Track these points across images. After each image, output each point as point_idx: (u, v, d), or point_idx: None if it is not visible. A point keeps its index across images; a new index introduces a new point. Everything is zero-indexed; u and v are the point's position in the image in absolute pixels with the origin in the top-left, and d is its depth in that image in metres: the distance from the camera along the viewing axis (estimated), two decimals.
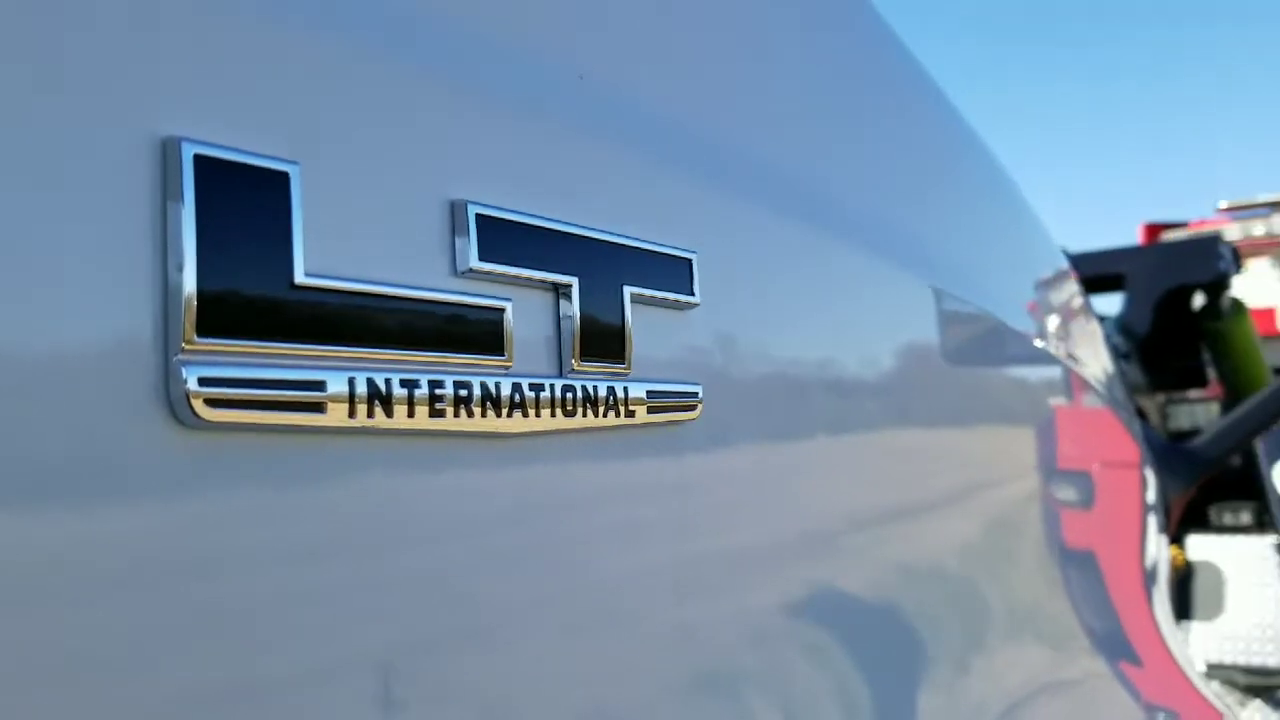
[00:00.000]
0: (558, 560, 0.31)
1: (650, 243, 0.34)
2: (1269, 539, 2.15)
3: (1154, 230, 5.28)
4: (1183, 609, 2.16)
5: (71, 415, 0.20)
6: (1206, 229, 5.07)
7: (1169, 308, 2.20)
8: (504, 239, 0.29)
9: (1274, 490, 2.14)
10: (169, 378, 0.22)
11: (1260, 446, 2.16)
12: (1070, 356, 0.91)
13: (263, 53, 0.24)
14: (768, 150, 0.47)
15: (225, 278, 0.22)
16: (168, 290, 0.22)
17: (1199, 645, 2.15)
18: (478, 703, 0.28)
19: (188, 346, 0.22)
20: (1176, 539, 2.21)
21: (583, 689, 0.31)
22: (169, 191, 0.22)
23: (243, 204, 0.23)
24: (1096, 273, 2.25)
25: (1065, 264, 1.01)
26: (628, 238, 0.33)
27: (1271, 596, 2.12)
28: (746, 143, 0.45)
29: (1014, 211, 0.91)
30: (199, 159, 0.22)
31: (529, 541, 0.30)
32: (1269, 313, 5.06)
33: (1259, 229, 4.99)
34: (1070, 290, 1.00)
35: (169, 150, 0.22)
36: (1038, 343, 0.83)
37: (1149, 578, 1.01)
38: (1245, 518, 2.18)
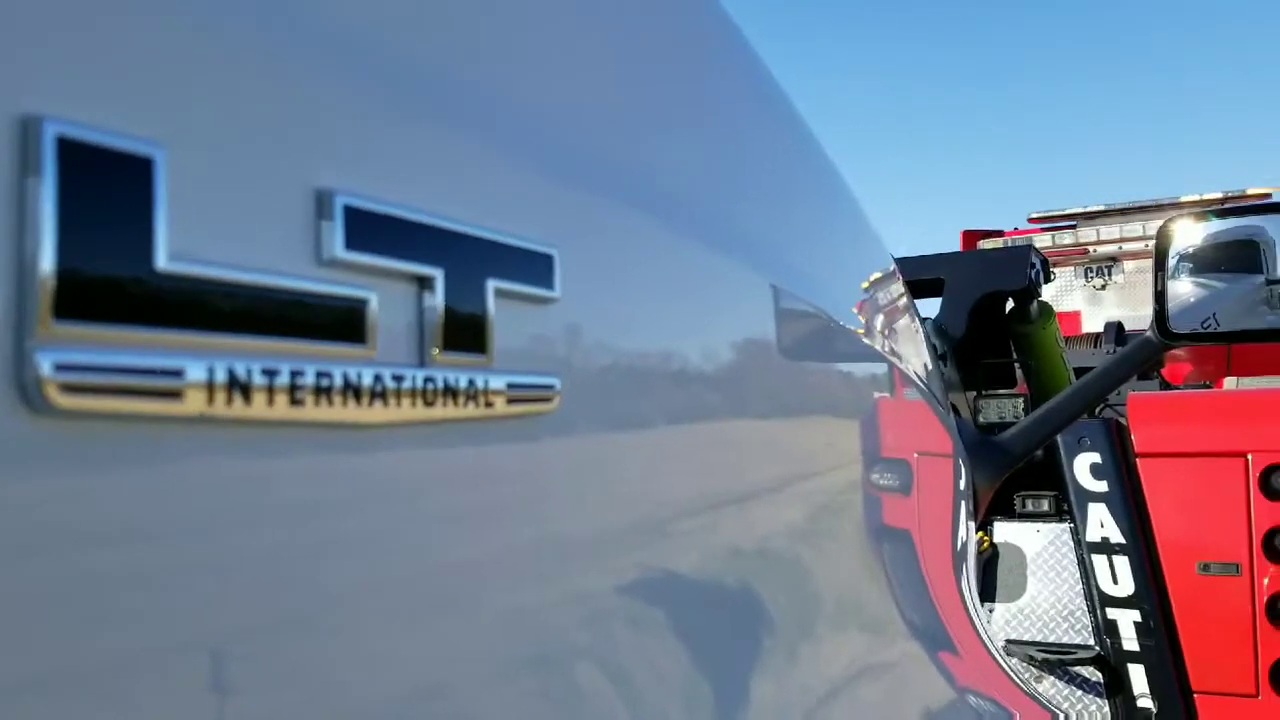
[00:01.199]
0: (415, 548, 0.31)
1: (514, 237, 0.35)
2: (1065, 525, 2.33)
3: (972, 236, 5.61)
4: (988, 590, 2.32)
5: None
6: (1020, 237, 5.43)
7: (982, 311, 2.34)
8: (370, 230, 0.29)
9: (1073, 481, 2.32)
10: (23, 363, 0.21)
11: (1061, 441, 2.34)
12: (894, 354, 0.96)
13: (130, 34, 0.24)
14: (624, 150, 0.48)
15: (84, 262, 0.22)
16: (23, 273, 0.21)
17: (1001, 624, 2.32)
18: (322, 692, 0.29)
19: (43, 331, 0.21)
20: (985, 525, 2.37)
21: (427, 678, 0.32)
22: (28, 171, 0.21)
23: (104, 187, 0.22)
24: (918, 277, 2.38)
25: (893, 266, 1.06)
26: (492, 232, 0.34)
27: (1066, 579, 2.31)
28: (604, 142, 0.46)
29: (847, 213, 0.96)
30: (61, 140, 0.21)
31: (386, 529, 0.30)
32: (1074, 316, 5.47)
33: (1067, 239, 5.38)
34: (896, 291, 1.06)
35: (30, 129, 0.21)
36: (865, 341, 0.87)
37: (959, 561, 1.09)
38: (1046, 506, 2.35)
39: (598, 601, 0.40)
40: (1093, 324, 5.09)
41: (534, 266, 0.36)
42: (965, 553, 1.16)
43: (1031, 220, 5.75)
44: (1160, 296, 1.43)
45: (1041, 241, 5.30)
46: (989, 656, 1.02)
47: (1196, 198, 5.02)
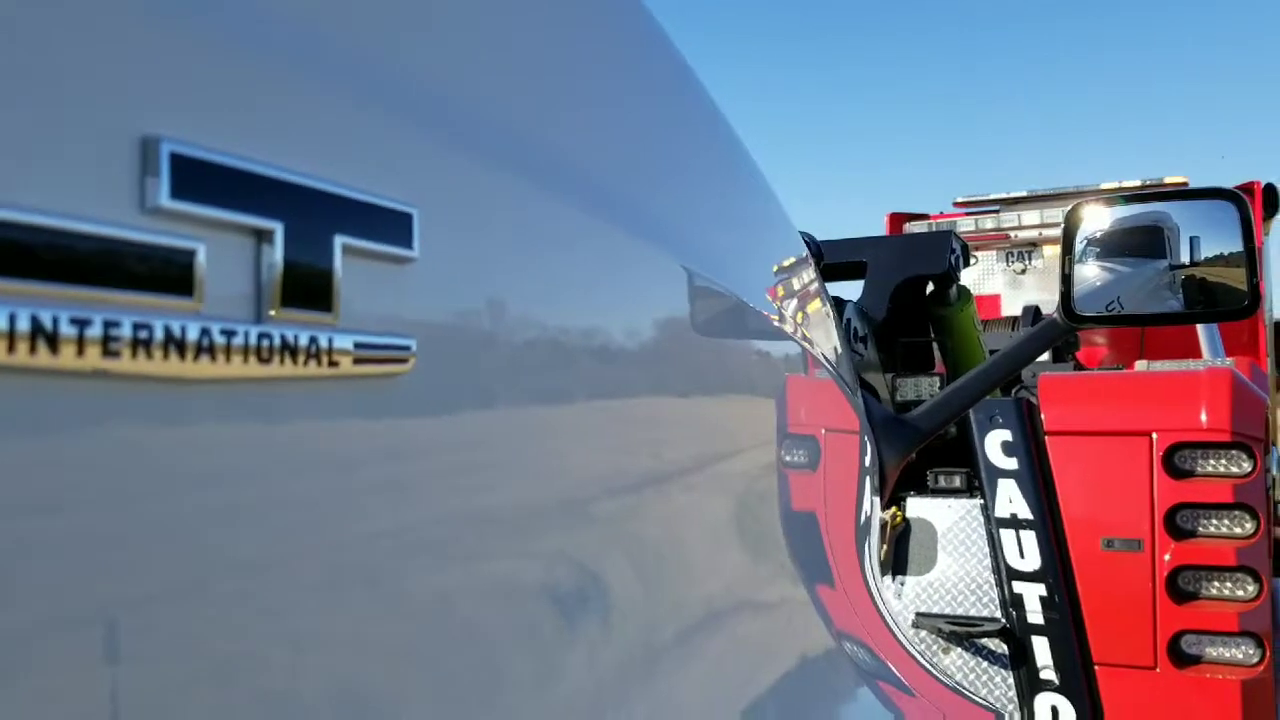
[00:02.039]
0: (246, 509, 0.30)
1: (368, 194, 0.34)
2: (976, 501, 2.39)
3: (898, 219, 5.70)
4: (901, 563, 2.37)
5: None
6: (944, 221, 5.52)
7: (903, 294, 2.39)
8: (200, 179, 0.28)
9: (984, 458, 2.38)
10: None
11: (974, 419, 2.39)
12: (804, 337, 0.97)
13: None
14: (507, 116, 0.48)
15: None
16: None
17: (912, 596, 2.37)
18: (125, 676, 0.27)
19: None
20: (898, 500, 2.41)
21: (240, 668, 0.31)
22: None
23: None
24: (843, 260, 2.41)
25: (804, 251, 1.07)
26: (343, 187, 0.33)
27: (975, 553, 2.36)
28: (486, 107, 0.46)
29: (757, 198, 0.96)
30: None
31: (211, 488, 0.29)
32: (994, 299, 5.58)
33: (989, 223, 5.47)
34: (807, 276, 1.07)
35: None
36: (774, 322, 0.88)
37: (862, 534, 1.10)
38: (957, 482, 2.41)
39: (449, 580, 0.39)
40: (1013, 307, 5.20)
41: (390, 225, 0.35)
42: (869, 526, 1.18)
43: (957, 205, 5.84)
44: (1067, 279, 1.47)
45: (965, 226, 5.40)
46: (888, 632, 1.03)
47: (1116, 185, 5.15)
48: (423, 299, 0.37)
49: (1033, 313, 4.19)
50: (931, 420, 1.47)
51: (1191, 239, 1.52)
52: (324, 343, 0.31)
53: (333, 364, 0.32)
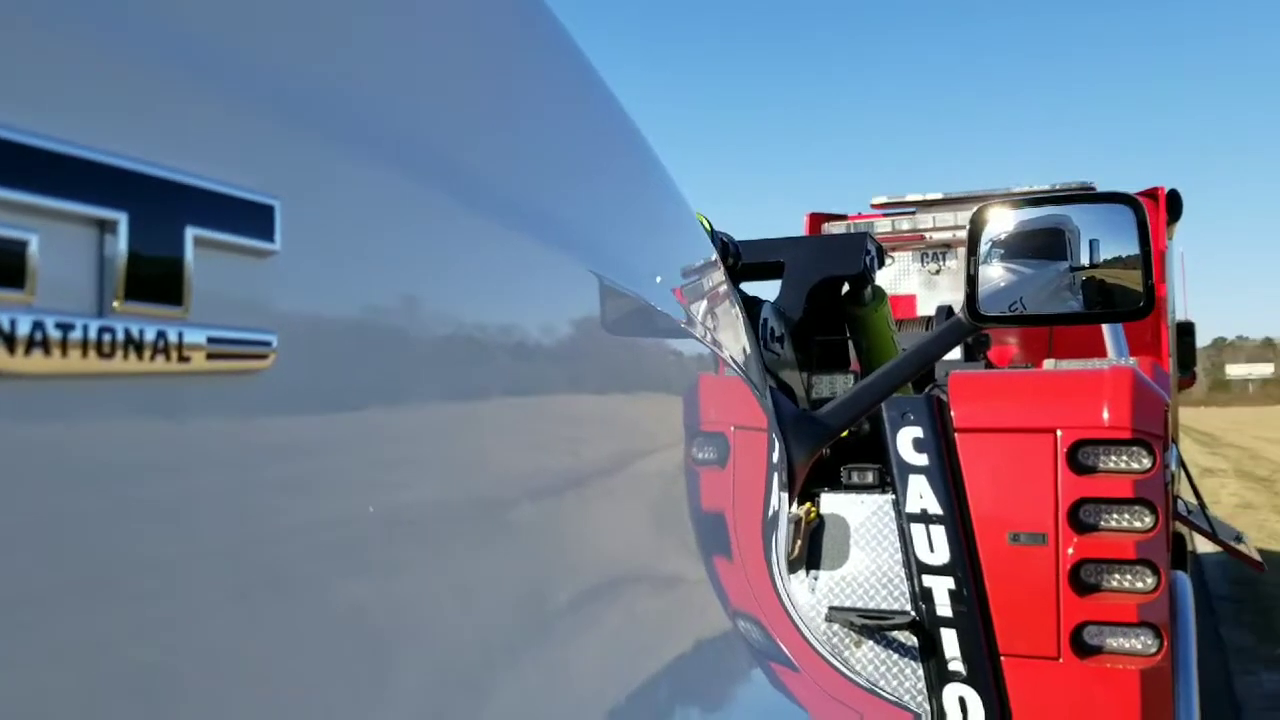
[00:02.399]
0: (83, 513, 0.29)
1: (223, 185, 0.33)
2: (888, 497, 2.43)
3: (817, 219, 5.79)
4: (814, 558, 2.40)
5: None
6: (862, 222, 5.62)
7: (820, 294, 2.42)
8: (30, 167, 0.27)
9: (896, 454, 2.42)
10: None
11: (886, 416, 2.44)
12: (713, 339, 0.98)
13: None
14: (390, 110, 0.47)
15: None
16: None
17: (825, 590, 2.40)
18: None
19: None
20: (812, 496, 2.45)
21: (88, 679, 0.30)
22: None
23: None
24: (761, 260, 2.44)
25: (713, 254, 1.08)
26: (195, 177, 0.32)
27: (887, 548, 2.41)
28: (362, 99, 0.45)
29: (666, 202, 0.96)
30: None
31: (48, 488, 0.28)
32: (910, 299, 5.69)
33: (905, 224, 5.58)
34: (716, 278, 1.07)
35: None
36: (682, 324, 0.88)
37: (768, 530, 1.11)
38: (870, 478, 2.45)
39: (312, 588, 0.38)
40: (928, 307, 5.31)
41: (248, 216, 0.34)
42: (776, 522, 1.20)
43: (874, 206, 5.95)
44: (972, 280, 1.50)
45: (882, 227, 5.50)
46: (791, 626, 1.05)
47: (1027, 189, 5.29)
48: (286, 293, 0.36)
49: (946, 312, 4.28)
50: (840, 417, 1.49)
51: (1091, 242, 1.57)
52: (173, 337, 0.30)
53: (183, 359, 0.31)
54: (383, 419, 0.42)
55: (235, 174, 0.34)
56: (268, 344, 0.34)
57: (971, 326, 1.52)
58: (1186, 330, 6.71)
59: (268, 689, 0.35)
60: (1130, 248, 1.51)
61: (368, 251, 0.42)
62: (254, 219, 0.34)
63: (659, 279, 0.84)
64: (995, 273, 1.57)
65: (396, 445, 0.43)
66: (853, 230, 5.05)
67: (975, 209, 1.57)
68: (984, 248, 1.55)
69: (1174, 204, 5.62)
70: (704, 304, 1.00)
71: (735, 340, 1.11)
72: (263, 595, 0.35)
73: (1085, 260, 1.56)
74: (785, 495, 1.28)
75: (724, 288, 1.11)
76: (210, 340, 0.32)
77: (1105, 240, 1.55)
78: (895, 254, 5.52)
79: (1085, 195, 1.60)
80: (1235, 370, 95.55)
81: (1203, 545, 9.11)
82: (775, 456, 1.22)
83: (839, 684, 1.03)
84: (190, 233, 0.31)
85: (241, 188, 0.34)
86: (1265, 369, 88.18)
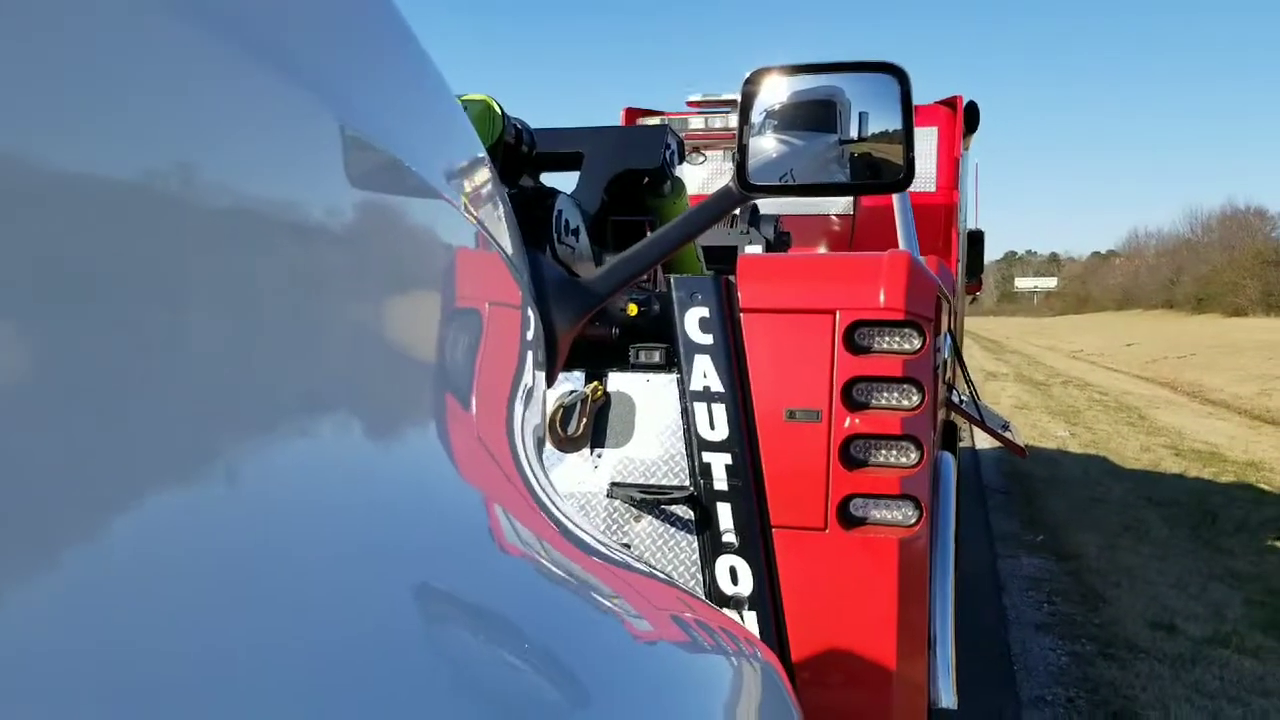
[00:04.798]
0: None
1: None
2: (674, 376, 2.46)
3: (633, 114, 5.74)
4: (600, 436, 2.42)
5: None
6: (676, 119, 5.60)
7: (618, 186, 2.39)
8: None
9: (683, 334, 2.45)
10: None
11: (675, 297, 2.45)
12: (480, 225, 0.94)
13: None
14: None
15: None
16: None
17: (609, 468, 2.43)
18: None
19: None
20: (600, 376, 2.45)
21: None
22: None
23: None
24: (558, 149, 2.37)
25: (482, 153, 1.05)
26: None
27: (670, 425, 2.45)
28: None
29: (435, 101, 0.91)
30: None
31: None
32: None
33: (718, 122, 5.60)
34: (482, 174, 1.04)
35: None
36: (450, 209, 0.84)
37: (514, 411, 1.08)
38: (657, 357, 2.47)
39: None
40: None
41: None
42: (528, 400, 1.16)
43: (690, 104, 5.93)
44: (743, 150, 1.49)
45: (695, 124, 5.49)
46: (531, 503, 1.02)
47: None
48: None
49: (751, 209, 4.34)
50: (607, 283, 1.47)
51: (860, 114, 1.58)
52: None
53: None
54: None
55: None
56: None
57: (741, 196, 1.51)
58: (976, 239, 7.09)
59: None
60: (896, 121, 1.54)
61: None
62: None
63: (409, 145, 0.78)
64: (768, 144, 1.57)
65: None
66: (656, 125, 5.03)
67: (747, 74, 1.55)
68: (758, 118, 1.54)
69: (971, 115, 5.85)
70: (471, 195, 0.96)
71: (499, 227, 1.07)
72: None
73: (854, 133, 1.57)
74: (541, 374, 1.25)
75: (490, 183, 1.06)
76: None
77: (874, 113, 1.57)
78: (709, 152, 5.55)
79: (854, 64, 1.60)
80: (1023, 283, 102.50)
81: (980, 441, 9.82)
82: (530, 334, 1.18)
83: (590, 562, 1.02)
84: None
85: None
86: (1049, 282, 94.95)
